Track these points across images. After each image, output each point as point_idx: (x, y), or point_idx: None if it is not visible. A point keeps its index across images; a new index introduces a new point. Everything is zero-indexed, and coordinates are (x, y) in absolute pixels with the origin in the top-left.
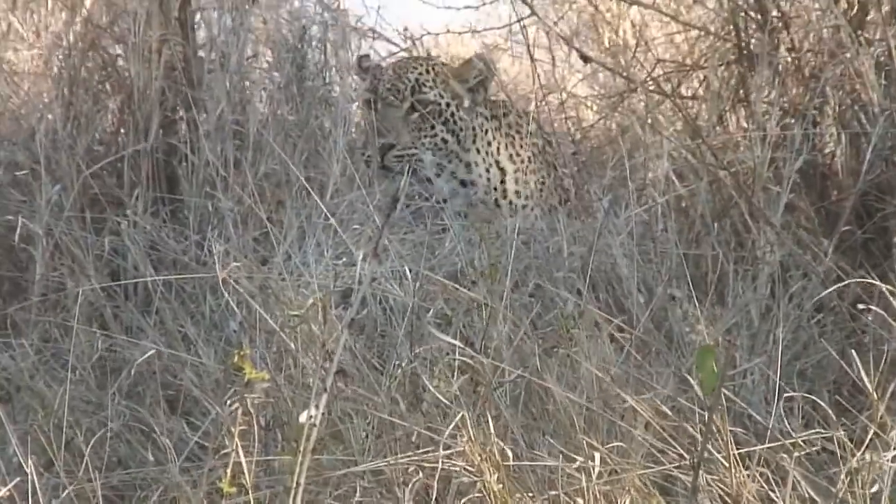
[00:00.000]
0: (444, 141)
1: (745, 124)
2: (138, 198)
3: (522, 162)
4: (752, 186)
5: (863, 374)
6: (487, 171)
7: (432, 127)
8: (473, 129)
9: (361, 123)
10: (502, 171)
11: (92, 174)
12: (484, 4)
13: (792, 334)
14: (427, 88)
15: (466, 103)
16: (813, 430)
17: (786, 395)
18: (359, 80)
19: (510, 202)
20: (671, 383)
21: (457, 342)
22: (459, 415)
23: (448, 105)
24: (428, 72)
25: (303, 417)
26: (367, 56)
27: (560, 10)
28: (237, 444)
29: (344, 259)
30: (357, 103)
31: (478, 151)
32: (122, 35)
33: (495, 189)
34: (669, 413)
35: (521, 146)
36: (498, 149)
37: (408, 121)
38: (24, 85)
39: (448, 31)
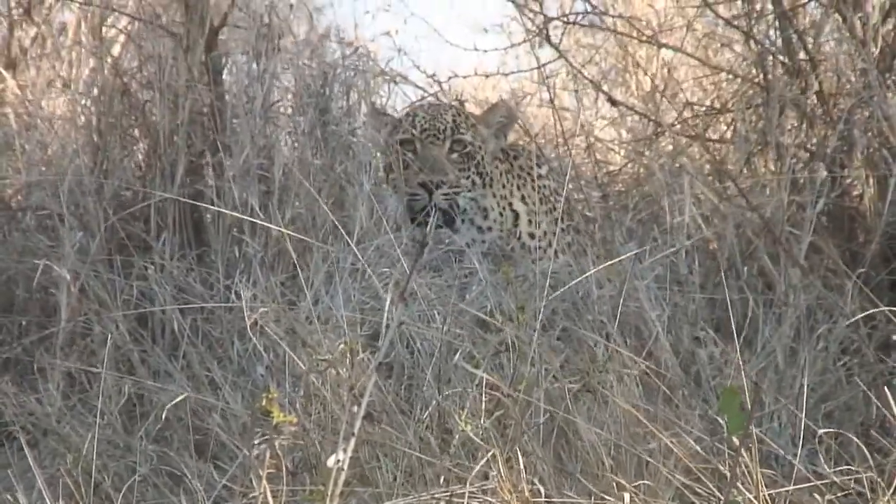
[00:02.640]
0: (473, 183)
1: (772, 167)
2: (165, 242)
3: (535, 203)
4: (778, 228)
5: (894, 407)
6: (501, 214)
7: (467, 168)
8: (490, 173)
9: (385, 168)
10: (515, 213)
11: (118, 218)
12: (512, 46)
13: (819, 376)
14: (463, 129)
15: (491, 147)
16: (840, 469)
17: (815, 434)
18: (372, 126)
19: (523, 244)
20: (699, 424)
21: (484, 374)
22: (490, 452)
23: (480, 148)
24: (459, 114)
25: (331, 462)
26: (377, 102)
27: (588, 54)
28: (265, 488)
29: (371, 303)
30: (377, 148)
31: (494, 196)
32: (149, 80)
33: (509, 232)
34: (699, 450)
35: (533, 188)
36: (511, 191)
37: (449, 159)
38: (53, 131)
39: (476, 74)
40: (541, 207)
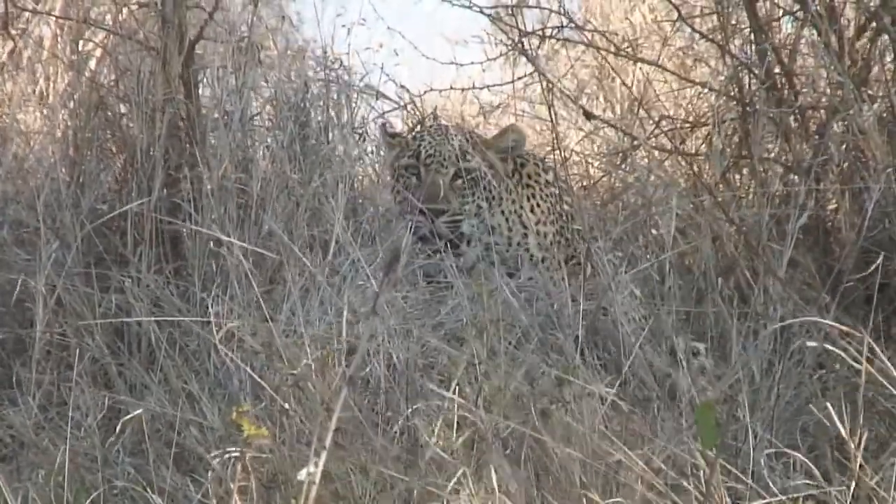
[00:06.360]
0: (480, 207)
1: (748, 181)
2: (142, 255)
3: (543, 213)
4: (756, 243)
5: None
6: (510, 229)
7: (473, 194)
8: (498, 193)
9: (395, 190)
10: (524, 225)
11: (96, 232)
12: (488, 61)
13: (794, 390)
14: (469, 156)
15: (500, 170)
16: (813, 483)
17: (789, 447)
18: (386, 148)
19: (531, 256)
20: (669, 437)
21: (455, 396)
22: (461, 470)
23: (485, 173)
24: (468, 140)
25: (302, 475)
26: (388, 123)
27: (565, 67)
28: (236, 501)
29: (349, 317)
30: (387, 170)
31: (502, 213)
32: (126, 94)
33: (518, 244)
34: (663, 467)
35: (541, 197)
36: (521, 204)
37: (453, 187)
38: (29, 144)
39: (452, 88)
40: (548, 217)
